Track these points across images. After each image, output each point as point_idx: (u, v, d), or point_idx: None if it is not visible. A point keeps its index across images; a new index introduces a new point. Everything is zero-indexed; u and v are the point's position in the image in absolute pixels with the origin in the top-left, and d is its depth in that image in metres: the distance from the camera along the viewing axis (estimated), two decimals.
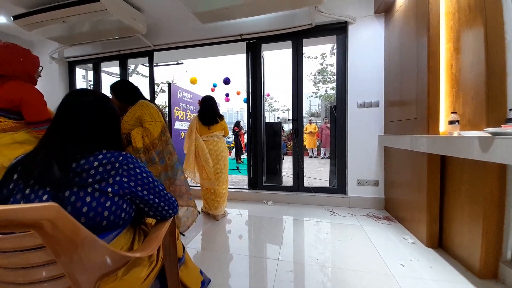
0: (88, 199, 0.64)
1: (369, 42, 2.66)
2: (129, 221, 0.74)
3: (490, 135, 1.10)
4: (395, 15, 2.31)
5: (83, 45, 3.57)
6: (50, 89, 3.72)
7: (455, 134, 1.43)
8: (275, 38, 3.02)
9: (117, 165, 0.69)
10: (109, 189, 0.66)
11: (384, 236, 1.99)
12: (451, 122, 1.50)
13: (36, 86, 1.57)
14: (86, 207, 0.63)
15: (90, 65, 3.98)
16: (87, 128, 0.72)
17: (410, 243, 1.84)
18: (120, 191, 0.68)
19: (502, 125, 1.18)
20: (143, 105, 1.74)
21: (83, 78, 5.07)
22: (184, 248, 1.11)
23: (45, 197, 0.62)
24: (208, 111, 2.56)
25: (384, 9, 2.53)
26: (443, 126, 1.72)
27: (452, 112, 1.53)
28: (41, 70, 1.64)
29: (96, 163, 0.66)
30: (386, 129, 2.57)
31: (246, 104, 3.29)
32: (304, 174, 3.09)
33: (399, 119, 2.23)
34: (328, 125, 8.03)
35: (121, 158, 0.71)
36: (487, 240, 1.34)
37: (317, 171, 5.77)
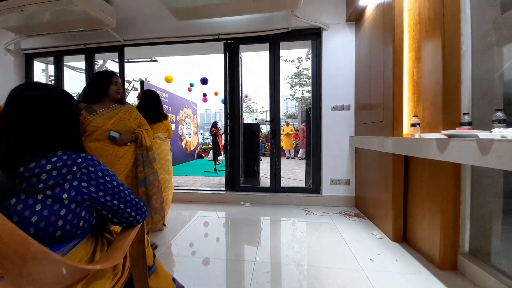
0: (38, 207, 0.57)
1: (341, 48, 2.78)
2: (89, 230, 0.68)
3: (446, 137, 1.21)
4: (365, 24, 2.45)
5: (43, 37, 3.25)
6: (4, 84, 3.35)
7: (416, 136, 1.55)
8: (253, 39, 3.03)
9: (74, 168, 0.62)
10: (65, 195, 0.60)
11: (355, 232, 2.09)
12: (413, 125, 1.63)
13: None
14: (36, 216, 0.56)
15: (51, 59, 3.64)
16: (37, 126, 0.63)
17: (378, 238, 1.96)
18: (78, 197, 0.62)
19: (456, 128, 1.31)
20: (135, 109, 1.82)
21: (42, 73, 4.62)
22: (154, 255, 1.05)
23: None
24: (151, 105, 2.23)
25: (355, 18, 2.67)
26: (406, 129, 1.86)
27: (413, 116, 1.65)
28: None
29: (49, 167, 0.59)
30: (357, 131, 2.71)
31: (224, 104, 3.25)
32: (281, 175, 3.14)
33: (368, 122, 2.37)
34: None
35: (79, 160, 0.64)
36: (444, 233, 1.47)
37: (294, 172, 5.90)
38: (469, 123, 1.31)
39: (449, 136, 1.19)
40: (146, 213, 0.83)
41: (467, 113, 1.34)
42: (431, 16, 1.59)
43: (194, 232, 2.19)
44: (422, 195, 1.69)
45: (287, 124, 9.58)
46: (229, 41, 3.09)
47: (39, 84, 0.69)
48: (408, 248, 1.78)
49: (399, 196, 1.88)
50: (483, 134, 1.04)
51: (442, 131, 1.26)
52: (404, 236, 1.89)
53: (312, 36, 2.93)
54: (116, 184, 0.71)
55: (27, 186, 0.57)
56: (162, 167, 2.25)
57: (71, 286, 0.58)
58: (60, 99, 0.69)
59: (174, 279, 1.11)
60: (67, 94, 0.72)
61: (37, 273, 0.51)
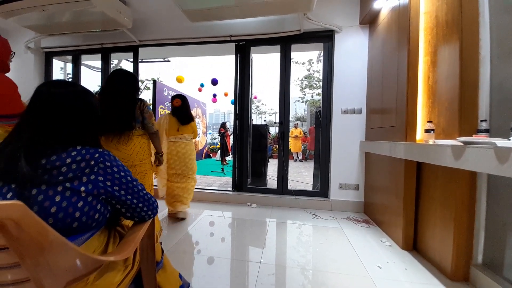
0: (57, 198, 0.59)
1: (354, 51, 2.75)
2: (103, 222, 0.70)
3: (462, 144, 1.17)
4: (379, 27, 2.42)
5: (62, 36, 3.38)
6: (24, 80, 3.49)
7: (431, 142, 1.51)
8: (265, 41, 3.04)
9: (92, 163, 0.65)
10: (82, 188, 0.62)
11: (363, 239, 2.05)
12: (427, 131, 1.58)
13: (8, 77, 1.46)
14: (55, 207, 0.59)
15: (69, 57, 3.78)
16: (61, 121, 0.66)
17: (387, 245, 1.91)
18: (95, 190, 0.64)
19: (473, 135, 1.26)
20: None
21: (61, 71, 4.80)
22: (163, 251, 1.07)
23: (9, 195, 0.57)
24: (185, 109, 2.53)
25: (369, 21, 2.64)
26: (420, 134, 1.81)
27: (428, 121, 1.61)
28: (13, 55, 1.53)
29: (68, 160, 0.62)
30: (367, 135, 2.66)
31: (233, 105, 3.28)
32: (289, 177, 3.12)
33: (380, 126, 2.32)
34: None
35: (97, 155, 0.66)
36: (457, 243, 1.42)
37: (301, 175, 5.86)
38: (487, 131, 1.26)
39: (466, 143, 1.15)
40: (158, 209, 0.85)
41: (485, 120, 1.29)
42: (448, 20, 1.55)
43: (200, 231, 2.21)
44: (434, 203, 1.64)
45: (296, 126, 9.53)
46: (240, 43, 3.12)
47: (64, 82, 0.73)
48: (419, 257, 1.73)
49: (411, 203, 1.83)
50: (501, 142, 1.01)
51: (458, 138, 1.22)
52: (414, 245, 1.84)
53: (324, 38, 2.92)
54: (130, 180, 0.73)
55: (48, 177, 0.59)
56: (186, 165, 2.50)
57: (84, 276, 0.60)
58: (83, 97, 0.72)
59: (180, 276, 1.13)
60: (89, 93, 0.76)
61: (54, 261, 0.53)
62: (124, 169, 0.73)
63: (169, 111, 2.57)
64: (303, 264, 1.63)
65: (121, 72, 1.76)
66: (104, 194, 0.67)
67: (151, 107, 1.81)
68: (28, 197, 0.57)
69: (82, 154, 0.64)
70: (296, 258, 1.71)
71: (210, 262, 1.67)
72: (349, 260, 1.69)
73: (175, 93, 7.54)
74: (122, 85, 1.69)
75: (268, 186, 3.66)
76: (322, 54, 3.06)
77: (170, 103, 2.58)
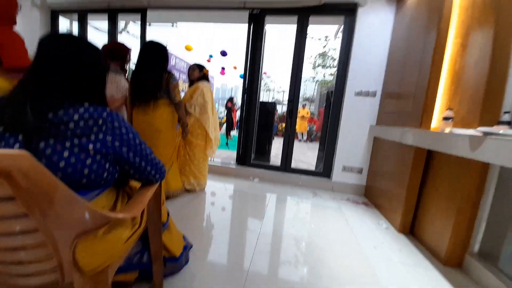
0: (66, 154, 0.58)
1: (377, 28, 2.56)
2: (111, 181, 0.70)
3: (481, 134, 1.12)
4: (407, 3, 2.21)
5: None
6: (30, 38, 3.38)
7: (447, 130, 1.46)
8: (281, 11, 2.84)
9: (100, 121, 0.63)
10: (91, 146, 0.61)
11: (360, 220, 2.09)
12: (445, 118, 1.52)
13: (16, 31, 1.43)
14: (64, 162, 0.58)
15: (75, 16, 3.62)
16: (66, 75, 0.63)
17: (384, 227, 1.95)
18: (103, 150, 0.63)
19: (494, 126, 1.20)
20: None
21: (67, 30, 4.65)
22: (168, 213, 1.10)
23: (16, 146, 0.56)
24: None
25: None
26: (436, 122, 1.74)
27: (448, 109, 1.53)
28: (20, 8, 1.48)
29: (76, 117, 0.60)
30: (379, 119, 2.59)
31: (242, 80, 3.17)
32: (293, 156, 3.12)
33: (394, 111, 2.24)
34: None
35: (105, 114, 0.64)
36: (456, 232, 1.43)
37: (305, 155, 5.87)
38: (508, 123, 1.20)
39: (486, 133, 1.10)
40: (165, 173, 0.85)
41: (508, 112, 1.22)
42: (486, 0, 1.40)
43: (202, 200, 2.27)
44: (439, 192, 1.63)
45: (304, 106, 9.35)
46: (255, 11, 2.92)
47: (68, 35, 0.68)
48: (414, 240, 1.77)
49: (414, 191, 1.82)
50: None
51: (478, 128, 1.17)
52: (411, 229, 1.87)
53: (346, 12, 2.70)
54: (139, 142, 0.72)
55: (55, 131, 0.58)
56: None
57: (93, 230, 0.62)
58: (89, 52, 0.69)
59: (184, 237, 1.18)
60: (96, 49, 0.72)
61: (63, 213, 0.53)
62: (132, 131, 0.72)
63: (203, 81, 2.43)
64: (299, 238, 1.69)
65: (150, 44, 1.89)
66: (113, 154, 0.66)
67: (176, 79, 1.95)
68: (36, 149, 0.57)
69: (90, 112, 0.62)
70: (293, 232, 1.76)
71: (211, 228, 1.74)
72: (345, 239, 1.74)
73: (183, 63, 7.29)
74: (149, 57, 1.85)
75: (271, 164, 3.68)
76: (341, 29, 2.87)
77: (196, 71, 2.42)
